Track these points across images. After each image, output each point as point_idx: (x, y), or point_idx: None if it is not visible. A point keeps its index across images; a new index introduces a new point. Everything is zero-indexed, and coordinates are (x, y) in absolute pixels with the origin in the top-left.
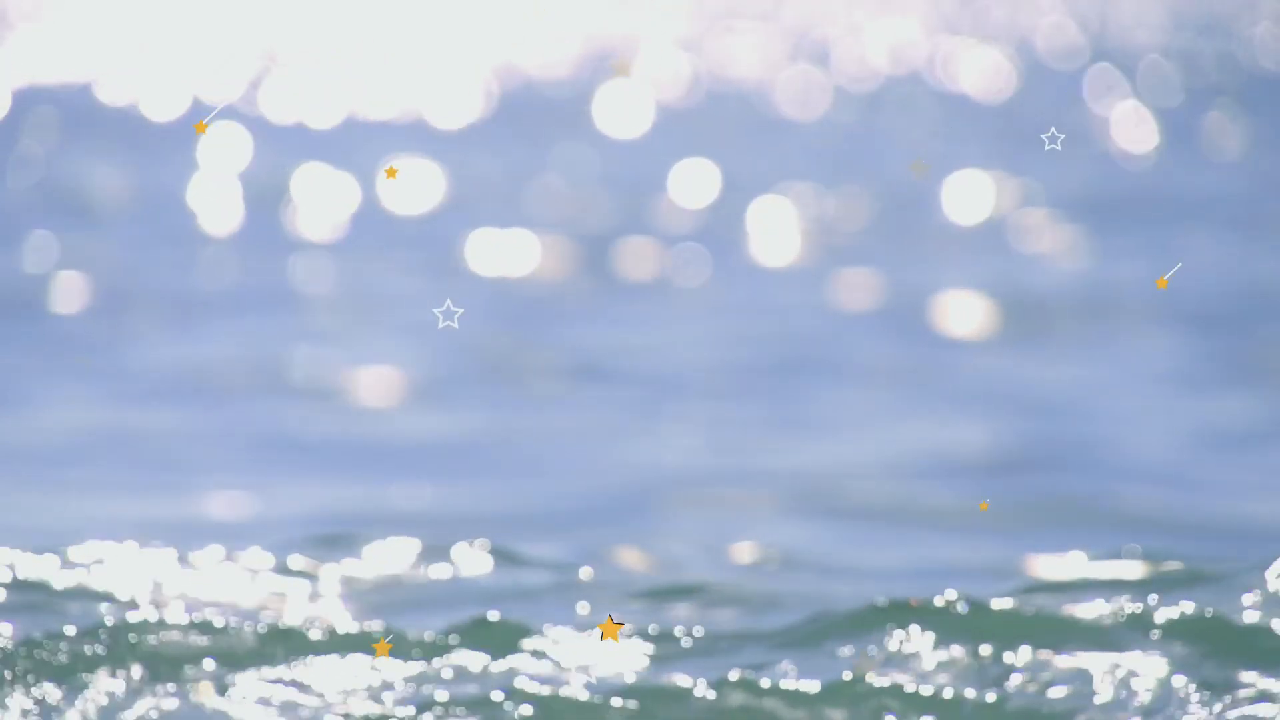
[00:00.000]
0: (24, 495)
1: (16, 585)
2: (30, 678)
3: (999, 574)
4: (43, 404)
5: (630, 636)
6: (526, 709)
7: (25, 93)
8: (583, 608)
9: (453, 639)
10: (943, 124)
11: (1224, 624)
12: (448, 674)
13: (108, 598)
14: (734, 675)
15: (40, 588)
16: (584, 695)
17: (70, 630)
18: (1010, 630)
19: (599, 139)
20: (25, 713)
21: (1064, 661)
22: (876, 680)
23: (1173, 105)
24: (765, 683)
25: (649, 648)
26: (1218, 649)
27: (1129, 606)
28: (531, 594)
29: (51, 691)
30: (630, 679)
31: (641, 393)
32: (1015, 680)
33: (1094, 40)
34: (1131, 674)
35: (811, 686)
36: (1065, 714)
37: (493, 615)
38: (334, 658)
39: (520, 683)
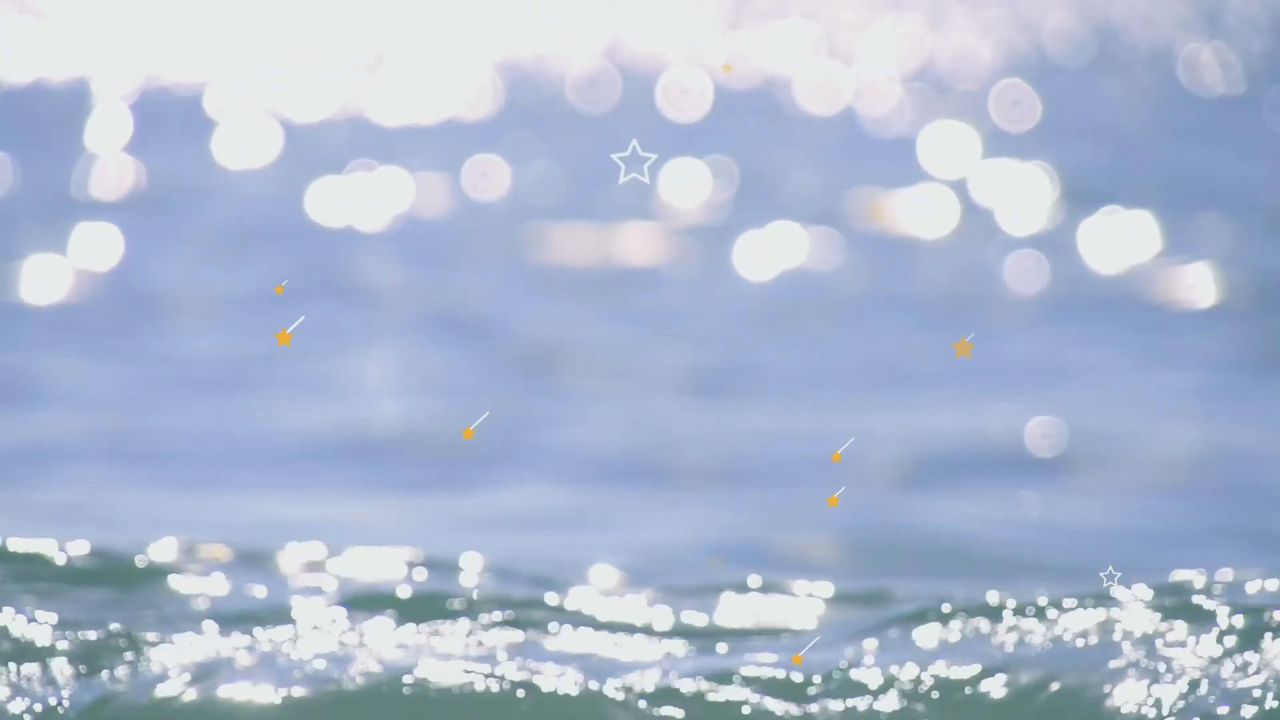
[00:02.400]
0: (33, 491)
1: (18, 580)
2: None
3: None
4: (48, 401)
5: (643, 632)
6: (534, 705)
7: (51, 84)
8: (602, 599)
9: (471, 631)
10: (955, 115)
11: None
12: (462, 664)
13: (111, 594)
14: (749, 672)
15: (34, 583)
16: (594, 690)
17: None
18: (1046, 624)
19: (613, 133)
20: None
21: (1090, 662)
22: (897, 677)
23: (1196, 94)
24: (782, 678)
25: (662, 643)
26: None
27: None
28: (547, 585)
29: (39, 680)
30: (643, 673)
31: (660, 381)
32: (1038, 678)
33: (1100, 31)
34: (1160, 676)
35: (848, 681)
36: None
37: (512, 609)
38: (330, 643)
39: (530, 678)
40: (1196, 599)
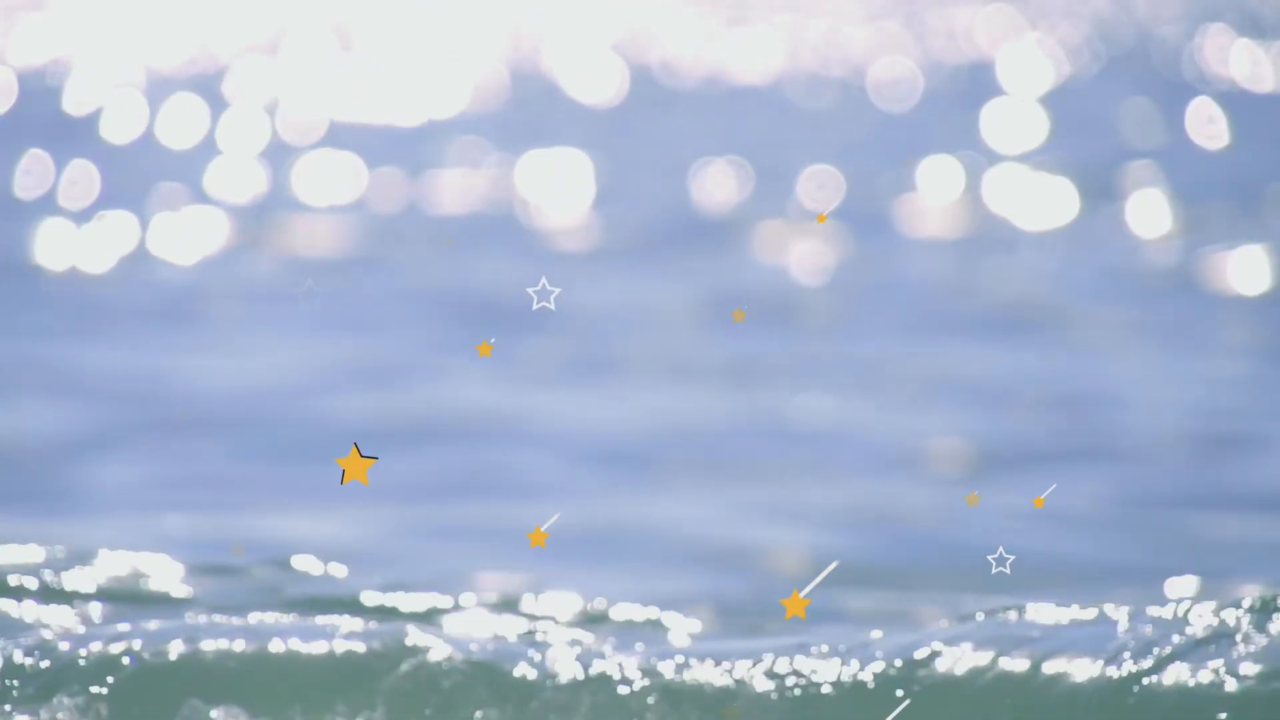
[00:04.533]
0: (38, 482)
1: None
2: None
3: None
4: (68, 392)
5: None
6: (549, 701)
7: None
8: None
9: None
10: (961, 111)
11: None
12: (490, 655)
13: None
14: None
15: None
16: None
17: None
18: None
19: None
20: None
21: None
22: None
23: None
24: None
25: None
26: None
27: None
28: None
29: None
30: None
31: (651, 376)
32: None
33: (1105, 30)
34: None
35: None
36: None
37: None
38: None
39: (542, 679)
40: (1239, 595)
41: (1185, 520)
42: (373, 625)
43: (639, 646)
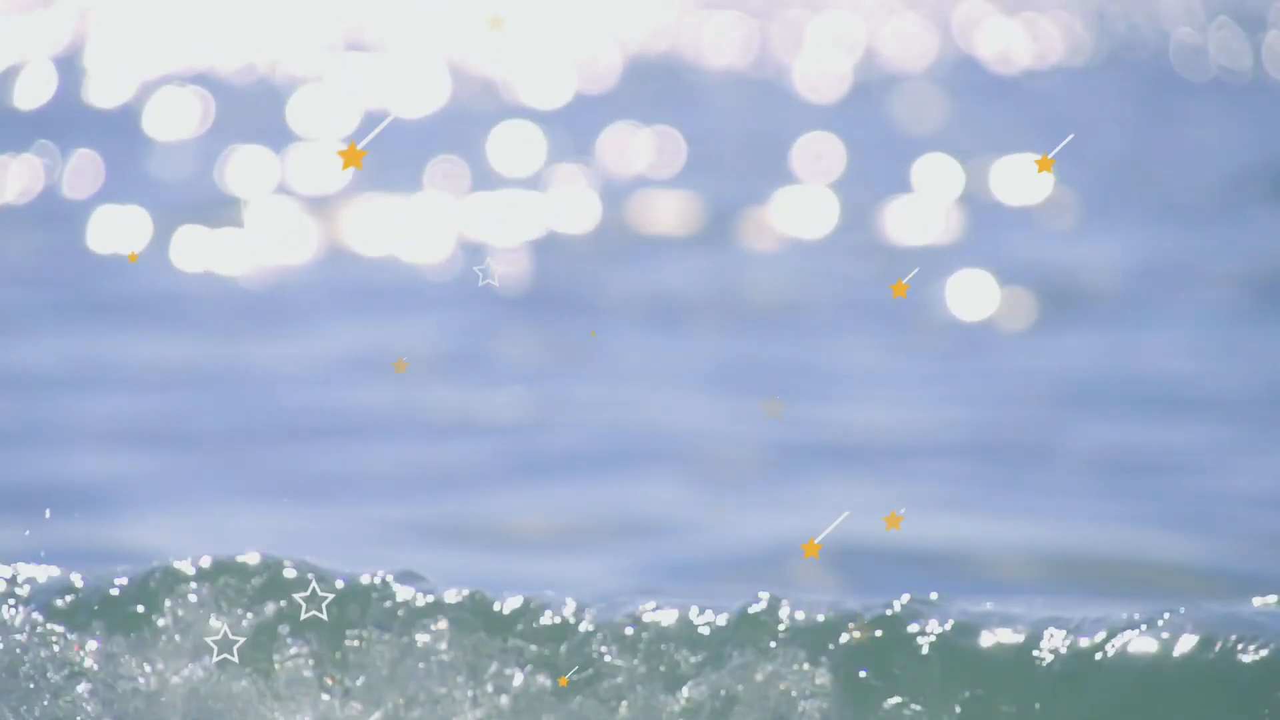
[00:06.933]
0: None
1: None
2: None
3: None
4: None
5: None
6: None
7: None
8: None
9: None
10: (969, 106)
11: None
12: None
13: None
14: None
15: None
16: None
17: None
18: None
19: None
20: None
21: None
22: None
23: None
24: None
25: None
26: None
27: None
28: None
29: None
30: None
31: (650, 366)
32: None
33: (1104, 29)
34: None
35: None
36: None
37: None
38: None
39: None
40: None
41: (1213, 515)
42: (376, 607)
43: (645, 638)
